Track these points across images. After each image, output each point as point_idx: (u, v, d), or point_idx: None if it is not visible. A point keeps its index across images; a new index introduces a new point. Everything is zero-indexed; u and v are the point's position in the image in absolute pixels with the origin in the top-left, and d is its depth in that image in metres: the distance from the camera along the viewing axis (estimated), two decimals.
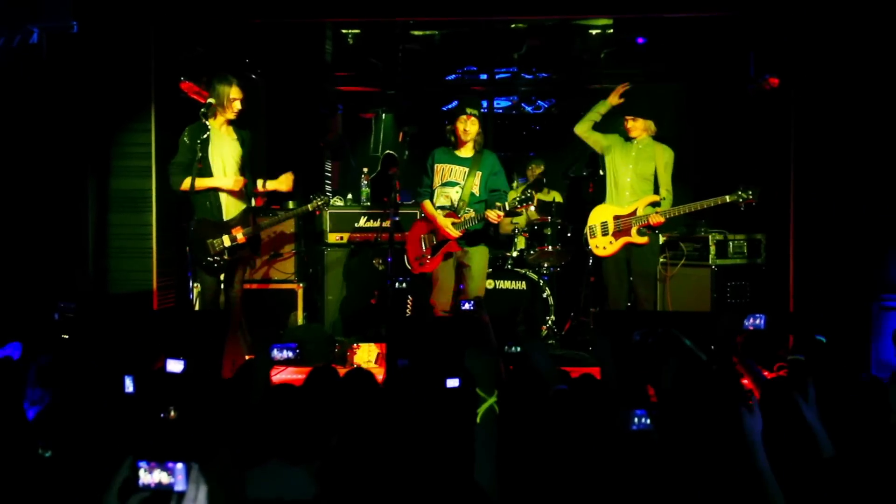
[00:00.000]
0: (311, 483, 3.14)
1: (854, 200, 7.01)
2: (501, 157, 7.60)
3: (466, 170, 7.18)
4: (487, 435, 3.14)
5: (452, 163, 7.21)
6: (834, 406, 3.38)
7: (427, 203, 7.28)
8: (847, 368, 3.91)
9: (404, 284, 7.06)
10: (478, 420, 3.18)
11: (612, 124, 7.63)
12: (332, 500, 2.74)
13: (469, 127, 7.13)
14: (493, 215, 6.97)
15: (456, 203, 7.16)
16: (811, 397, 3.27)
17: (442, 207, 7.19)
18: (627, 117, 7.40)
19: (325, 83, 10.77)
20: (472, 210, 7.08)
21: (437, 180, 7.22)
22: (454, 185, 7.19)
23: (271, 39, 9.32)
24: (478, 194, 7.15)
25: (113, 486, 2.51)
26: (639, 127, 7.36)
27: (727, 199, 7.05)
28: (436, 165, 7.28)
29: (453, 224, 7.08)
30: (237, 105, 6.82)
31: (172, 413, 3.68)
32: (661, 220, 7.16)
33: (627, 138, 7.41)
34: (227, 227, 6.81)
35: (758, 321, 4.57)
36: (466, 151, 7.21)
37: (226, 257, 6.81)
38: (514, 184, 10.15)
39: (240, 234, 6.81)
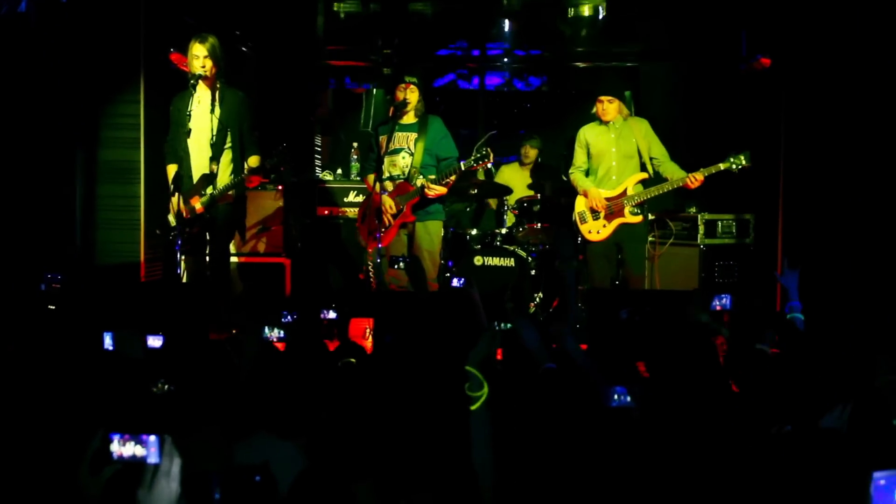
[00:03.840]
0: (299, 457, 3.13)
1: (844, 182, 7.01)
2: (494, 135, 7.56)
3: (413, 135, 7.13)
4: (483, 420, 3.12)
5: (396, 130, 7.09)
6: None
7: (369, 178, 7.22)
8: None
9: (402, 265, 7.00)
10: (473, 408, 3.16)
11: (583, 112, 7.58)
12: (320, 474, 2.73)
13: (409, 95, 7.07)
14: (430, 192, 6.96)
15: (408, 170, 7.12)
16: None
17: (391, 178, 7.14)
18: (603, 98, 7.18)
19: (316, 57, 10.71)
20: (422, 177, 7.07)
21: (381, 151, 7.11)
22: (400, 151, 7.13)
23: (262, 12, 9.26)
24: (427, 160, 7.13)
25: (86, 457, 2.51)
26: (613, 109, 7.20)
27: (721, 167, 6.92)
28: (380, 137, 7.19)
29: (398, 197, 7.04)
30: (198, 62, 6.62)
31: (160, 387, 3.67)
32: (701, 178, 6.94)
33: (602, 122, 7.27)
34: (185, 199, 6.71)
35: (724, 301, 4.59)
36: (408, 119, 7.14)
37: (188, 230, 6.70)
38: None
39: (197, 205, 6.73)
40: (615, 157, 7.24)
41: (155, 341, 4.27)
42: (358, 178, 9.02)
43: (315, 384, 3.31)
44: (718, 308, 4.58)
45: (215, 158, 6.67)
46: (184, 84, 6.74)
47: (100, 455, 2.41)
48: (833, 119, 7.05)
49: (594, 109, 7.29)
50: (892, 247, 6.67)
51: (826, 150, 7.09)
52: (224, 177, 6.72)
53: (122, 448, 2.34)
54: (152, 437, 2.32)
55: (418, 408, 3.18)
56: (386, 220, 7.03)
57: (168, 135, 6.85)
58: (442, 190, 6.99)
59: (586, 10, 9.75)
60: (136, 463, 2.33)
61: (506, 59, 11.24)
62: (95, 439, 2.46)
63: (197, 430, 2.76)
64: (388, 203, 7.02)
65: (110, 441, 2.34)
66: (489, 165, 6.99)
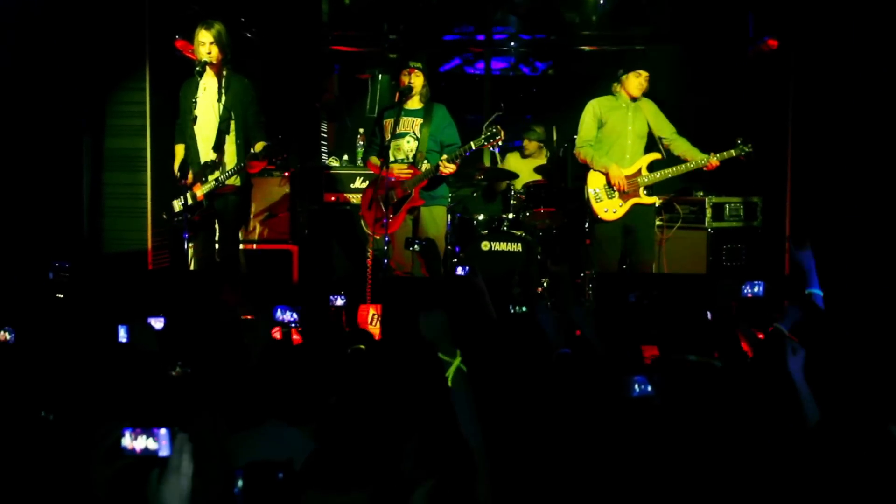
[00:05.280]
0: (309, 444, 3.13)
1: (853, 164, 6.98)
2: (500, 116, 7.54)
3: (419, 120, 7.12)
4: (464, 396, 3.11)
5: (402, 115, 7.10)
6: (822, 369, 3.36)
7: (373, 158, 7.25)
8: (839, 332, 3.90)
9: (417, 247, 6.98)
10: (449, 384, 3.14)
11: (589, 95, 7.53)
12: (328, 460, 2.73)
13: (413, 80, 7.06)
14: (443, 169, 6.93)
15: (413, 154, 7.11)
16: (799, 352, 3.26)
17: (396, 161, 7.11)
18: (642, 73, 7.11)
19: (321, 43, 10.69)
20: (427, 162, 7.07)
21: (387, 135, 7.11)
22: (404, 135, 7.12)
23: None
24: (430, 145, 7.13)
25: (100, 450, 2.50)
26: (643, 84, 7.14)
27: (733, 153, 6.95)
28: (384, 121, 7.20)
29: (405, 182, 7.05)
30: (204, 49, 6.59)
31: (178, 370, 3.66)
32: (716, 162, 6.99)
33: (631, 98, 7.18)
34: (187, 187, 6.69)
35: (756, 289, 4.50)
36: (414, 104, 7.15)
37: (189, 217, 6.67)
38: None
39: (199, 192, 6.72)
40: (630, 136, 7.19)
41: (156, 323, 4.26)
42: (363, 164, 9.01)
43: (325, 371, 3.30)
44: (750, 295, 4.50)
45: (218, 146, 6.67)
46: (190, 71, 6.72)
47: (112, 449, 2.41)
48: (841, 100, 7.02)
49: (620, 85, 7.19)
50: None
51: (834, 132, 7.06)
52: (230, 164, 6.71)
53: (134, 442, 2.33)
54: (163, 431, 2.32)
55: (423, 394, 3.17)
56: (399, 177, 7.01)
57: (178, 119, 6.85)
58: (453, 168, 6.98)
59: None
60: (148, 456, 2.33)
61: (512, 44, 11.22)
62: (111, 434, 2.46)
63: (197, 420, 2.76)
64: (399, 169, 7.03)
65: (122, 436, 2.34)
66: (500, 143, 6.99)
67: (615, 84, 7.21)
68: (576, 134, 7.49)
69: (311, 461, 2.63)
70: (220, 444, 2.90)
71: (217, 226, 6.89)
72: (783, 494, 2.60)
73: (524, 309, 4.51)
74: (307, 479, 2.55)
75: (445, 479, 2.74)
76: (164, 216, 7.02)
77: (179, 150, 6.79)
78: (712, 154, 6.97)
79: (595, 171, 7.23)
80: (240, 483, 2.36)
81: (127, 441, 2.34)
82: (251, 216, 7.85)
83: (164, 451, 2.32)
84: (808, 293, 4.57)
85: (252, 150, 6.67)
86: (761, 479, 2.63)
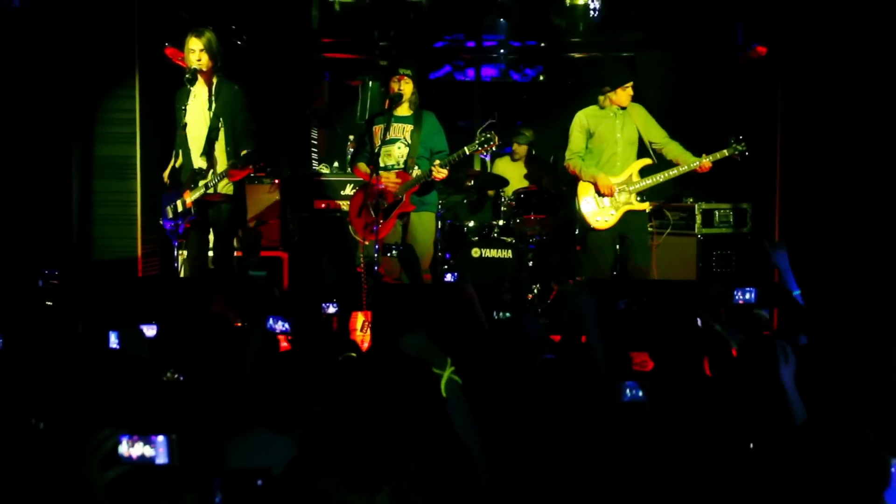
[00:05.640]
0: (292, 451, 3.12)
1: (842, 169, 7.00)
2: (491, 124, 7.55)
3: (409, 126, 7.15)
4: (459, 405, 3.11)
5: (392, 121, 7.13)
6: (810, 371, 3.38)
7: (361, 165, 7.26)
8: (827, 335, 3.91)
9: (395, 252, 6.99)
10: (443, 394, 3.14)
11: (579, 102, 7.55)
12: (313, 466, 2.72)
13: (403, 87, 7.08)
14: (437, 174, 6.96)
15: (404, 159, 7.13)
16: (790, 359, 3.27)
17: (386, 167, 7.14)
18: (627, 86, 7.18)
19: (311, 50, 10.70)
20: (418, 168, 7.09)
21: (376, 141, 7.12)
22: (395, 141, 7.15)
23: (257, 5, 9.24)
24: (421, 151, 7.16)
25: (94, 457, 2.49)
26: (631, 93, 7.21)
27: (726, 152, 7.00)
28: (374, 128, 7.23)
29: (402, 184, 7.07)
30: (194, 56, 6.62)
31: (169, 376, 3.66)
32: (709, 164, 7.04)
33: (614, 110, 7.23)
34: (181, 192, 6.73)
35: (748, 295, 4.51)
36: (404, 111, 7.18)
37: (180, 223, 6.69)
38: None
39: (188, 199, 6.71)
40: (620, 143, 7.22)
41: (149, 330, 4.26)
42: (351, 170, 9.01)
43: (315, 379, 3.30)
44: (741, 302, 4.51)
45: (206, 153, 6.67)
46: (180, 78, 6.73)
47: (110, 456, 2.40)
48: (829, 107, 7.05)
49: (605, 98, 7.24)
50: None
51: (823, 138, 7.08)
52: (220, 172, 6.72)
53: (131, 449, 2.33)
54: (160, 438, 2.31)
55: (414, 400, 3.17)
56: (389, 189, 7.03)
57: (175, 128, 6.87)
58: (445, 172, 7.01)
59: (582, 0, 9.76)
60: (145, 464, 2.32)
61: (502, 51, 11.23)
62: (107, 441, 2.45)
63: (189, 428, 2.76)
64: (391, 179, 7.04)
65: (119, 443, 2.33)
66: (494, 148, 7.03)
67: (601, 97, 7.25)
68: (566, 141, 7.51)
69: (323, 460, 2.62)
70: (216, 452, 2.90)
71: (212, 234, 6.92)
72: (769, 493, 2.61)
73: (508, 315, 4.51)
74: (321, 471, 2.54)
75: (447, 481, 2.74)
76: (161, 221, 7.01)
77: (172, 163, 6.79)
78: (704, 156, 7.01)
79: (584, 181, 7.27)
80: (219, 494, 2.35)
81: (124, 448, 2.34)
82: (247, 223, 7.86)
83: (162, 459, 2.32)
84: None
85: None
86: (748, 477, 2.64)
